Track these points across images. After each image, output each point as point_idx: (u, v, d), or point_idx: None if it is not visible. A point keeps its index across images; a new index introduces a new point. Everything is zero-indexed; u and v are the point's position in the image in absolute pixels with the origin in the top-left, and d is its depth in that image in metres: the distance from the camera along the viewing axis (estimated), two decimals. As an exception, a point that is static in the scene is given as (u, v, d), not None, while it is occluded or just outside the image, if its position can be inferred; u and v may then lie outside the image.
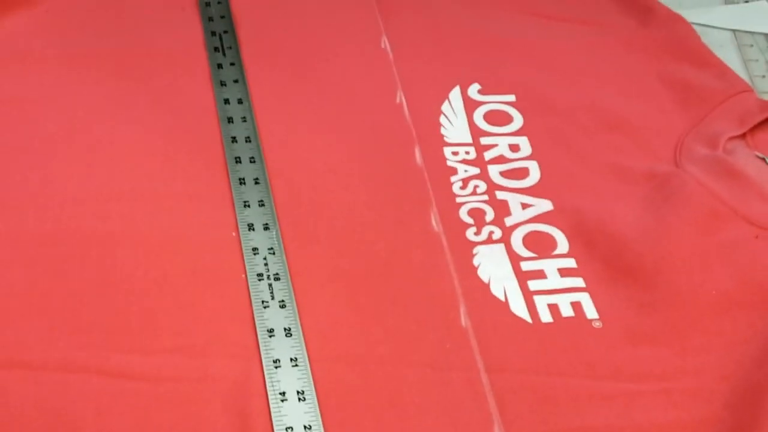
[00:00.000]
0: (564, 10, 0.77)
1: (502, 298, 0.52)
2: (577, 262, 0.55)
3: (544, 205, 0.58)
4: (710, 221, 0.56)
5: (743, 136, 0.64)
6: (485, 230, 0.56)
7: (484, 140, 0.63)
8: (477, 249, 0.55)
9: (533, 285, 0.53)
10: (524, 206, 0.58)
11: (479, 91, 0.67)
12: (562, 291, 0.53)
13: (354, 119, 0.64)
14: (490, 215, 0.58)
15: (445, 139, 0.63)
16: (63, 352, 0.48)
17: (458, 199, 0.59)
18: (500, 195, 0.59)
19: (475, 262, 0.54)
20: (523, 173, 0.61)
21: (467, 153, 0.62)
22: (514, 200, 0.59)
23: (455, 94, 0.67)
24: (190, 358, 0.48)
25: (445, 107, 0.66)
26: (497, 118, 0.65)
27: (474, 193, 0.59)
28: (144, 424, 0.45)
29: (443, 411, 0.47)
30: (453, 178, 0.60)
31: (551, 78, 0.69)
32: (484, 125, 0.65)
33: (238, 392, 0.46)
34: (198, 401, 0.46)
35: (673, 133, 0.64)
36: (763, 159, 0.62)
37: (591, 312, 0.52)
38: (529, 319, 0.51)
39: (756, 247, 0.55)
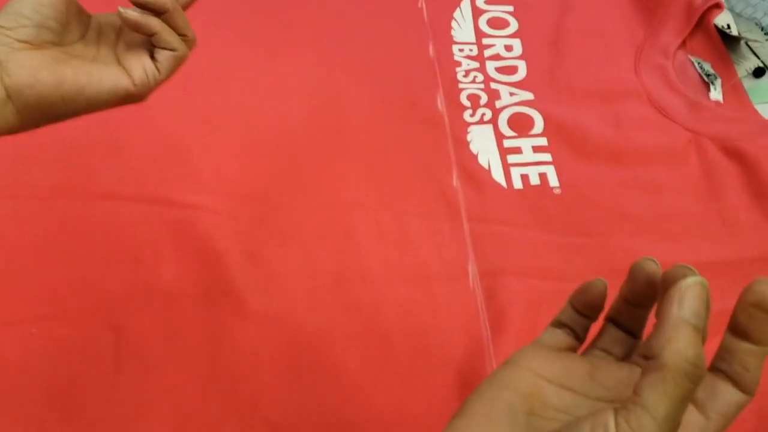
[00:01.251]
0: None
1: (486, 167, 0.66)
2: (548, 141, 0.67)
3: (527, 96, 0.71)
4: (651, 129, 0.69)
5: (684, 43, 0.75)
6: (479, 112, 0.69)
7: (486, 41, 0.75)
8: (471, 128, 0.68)
9: (511, 159, 0.66)
10: (511, 95, 0.71)
11: (485, 2, 0.79)
12: (533, 164, 0.66)
13: (381, 20, 0.76)
14: (484, 99, 0.70)
15: (454, 38, 0.75)
16: (152, 189, 0.60)
17: (460, 86, 0.71)
18: (493, 85, 0.71)
19: (468, 138, 0.68)
20: (513, 70, 0.73)
21: (471, 50, 0.74)
22: (504, 90, 0.71)
23: (465, 3, 0.78)
24: (244, 202, 0.61)
25: (456, 13, 0.77)
26: (497, 22, 0.77)
27: (473, 81, 0.72)
28: (207, 246, 0.58)
29: (433, 250, 0.61)
30: (457, 69, 0.73)
31: None
32: (486, 28, 0.76)
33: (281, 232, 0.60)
34: (248, 234, 0.59)
35: (634, 40, 0.76)
36: (698, 63, 0.74)
37: (554, 181, 0.65)
38: (505, 185, 0.65)
39: (688, 149, 0.68)
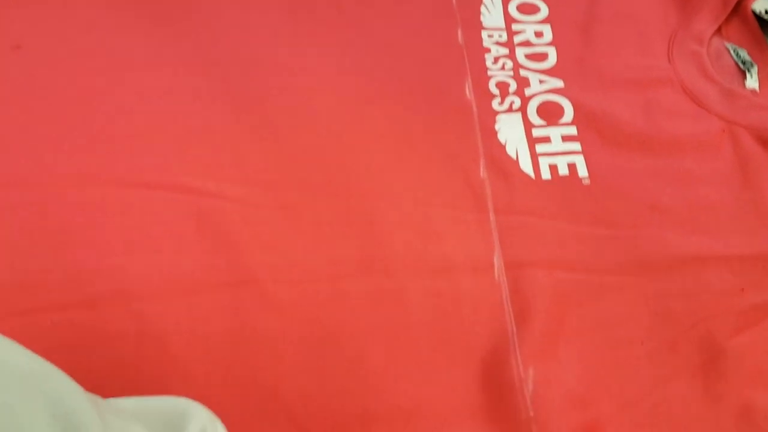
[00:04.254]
0: None
1: (514, 157, 0.64)
2: (577, 130, 0.65)
3: (557, 84, 0.69)
4: (684, 117, 0.67)
5: (719, 30, 0.73)
6: (507, 100, 0.67)
7: (515, 26, 0.73)
8: (499, 117, 0.66)
9: (540, 148, 0.64)
10: (541, 82, 0.69)
11: None
12: (561, 153, 0.64)
13: (409, 6, 0.73)
14: (513, 87, 0.68)
15: (483, 24, 0.73)
16: (174, 177, 0.59)
17: (489, 72, 0.69)
18: (523, 73, 0.69)
19: (497, 127, 0.66)
20: (543, 56, 0.71)
21: (500, 36, 0.72)
22: (533, 77, 0.69)
23: None
24: (268, 190, 0.60)
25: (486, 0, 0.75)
26: (527, 8, 0.75)
27: (502, 69, 0.70)
28: (230, 234, 0.57)
29: (458, 241, 0.59)
30: (486, 56, 0.70)
31: None
32: (516, 14, 0.74)
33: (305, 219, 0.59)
34: (271, 222, 0.58)
35: (668, 27, 0.73)
36: (734, 50, 0.71)
37: (582, 171, 0.63)
38: (533, 176, 0.63)
39: (722, 138, 0.66)
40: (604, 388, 0.54)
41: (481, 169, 0.63)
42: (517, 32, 0.73)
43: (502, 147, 0.65)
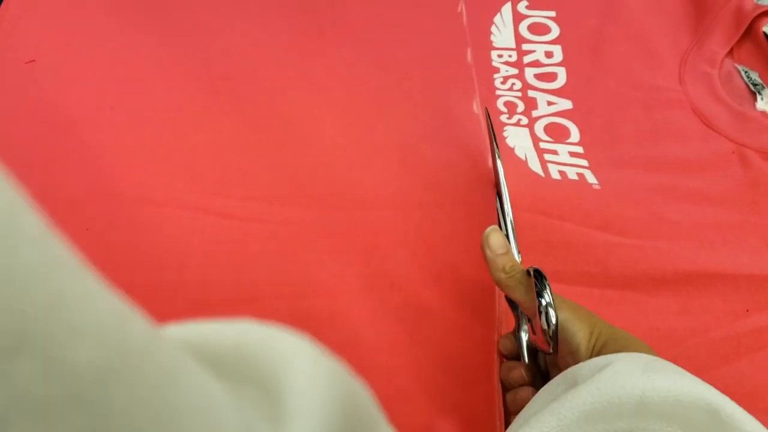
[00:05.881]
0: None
1: (523, 158, 0.63)
2: (584, 149, 0.65)
3: (566, 105, 0.68)
4: (693, 139, 0.66)
5: (731, 52, 0.72)
6: (515, 117, 0.67)
7: (525, 46, 0.73)
8: (507, 128, 0.66)
9: (548, 157, 0.64)
10: (549, 104, 0.68)
11: (527, 7, 0.77)
12: (570, 165, 0.63)
13: (418, 24, 0.74)
14: (520, 107, 0.68)
15: (493, 43, 0.73)
16: (179, 194, 0.59)
17: (497, 92, 0.69)
18: (531, 93, 0.69)
19: (504, 134, 0.65)
20: (552, 77, 0.70)
21: (510, 56, 0.72)
22: (541, 98, 0.68)
23: (506, 8, 0.76)
24: (273, 205, 0.59)
25: (497, 18, 0.75)
26: (539, 28, 0.75)
27: (511, 89, 0.69)
28: (234, 251, 0.56)
29: (466, 238, 0.58)
30: (495, 76, 0.70)
31: None
32: (527, 34, 0.74)
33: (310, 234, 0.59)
34: (276, 238, 0.57)
35: (680, 48, 0.73)
36: (745, 72, 0.70)
37: (592, 179, 0.62)
38: (542, 174, 0.62)
39: (731, 160, 0.65)
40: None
41: (489, 162, 0.62)
42: (528, 52, 0.73)
43: (510, 149, 0.64)
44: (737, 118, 0.66)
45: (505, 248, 0.49)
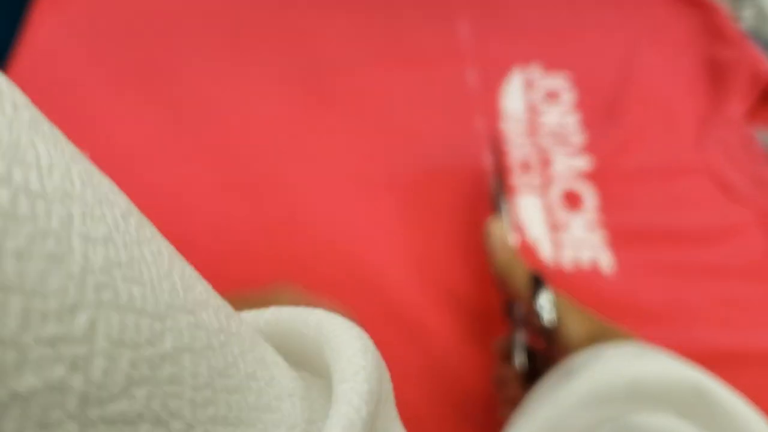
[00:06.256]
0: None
1: (532, 242, 0.61)
2: (601, 219, 0.63)
3: (582, 166, 0.66)
4: (713, 209, 0.63)
5: (749, 115, 0.69)
6: (527, 179, 0.65)
7: (537, 112, 0.70)
8: (518, 196, 0.64)
9: (561, 237, 0.62)
10: (564, 166, 0.66)
11: (538, 72, 0.74)
12: (584, 244, 0.61)
13: (425, 90, 0.72)
14: (535, 168, 0.66)
15: (502, 110, 0.70)
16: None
17: (508, 157, 0.66)
18: (545, 155, 0.67)
19: (516, 202, 0.63)
20: (566, 141, 0.68)
21: (520, 121, 0.69)
22: (556, 161, 0.66)
23: (516, 73, 0.74)
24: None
25: (506, 84, 0.73)
26: (551, 93, 0.72)
27: (522, 154, 0.67)
28: None
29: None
30: (505, 141, 0.68)
31: (600, 60, 0.75)
32: (538, 100, 0.71)
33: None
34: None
35: (697, 111, 0.70)
36: (765, 137, 0.68)
37: (606, 263, 0.60)
38: (553, 263, 0.60)
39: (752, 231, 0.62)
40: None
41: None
42: (539, 117, 0.70)
43: (521, 228, 0.62)
44: (758, 186, 0.64)
45: (505, 239, 0.52)
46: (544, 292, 0.45)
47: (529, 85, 0.73)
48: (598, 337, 0.43)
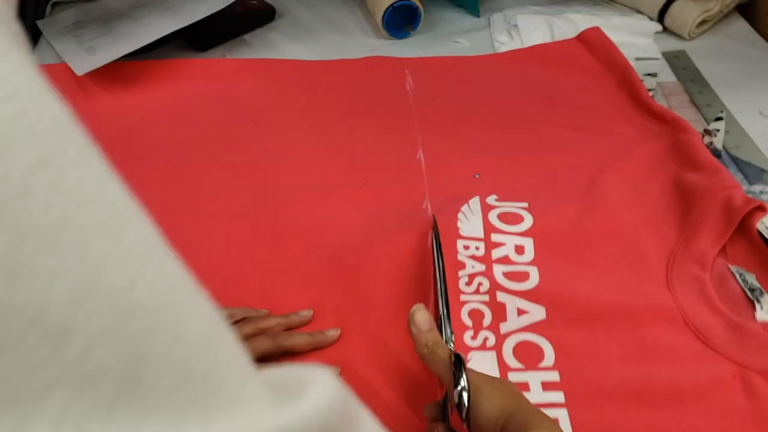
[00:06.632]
0: (579, 120, 0.80)
1: None
2: (560, 376, 0.56)
3: (538, 314, 0.59)
4: (687, 360, 0.57)
5: (724, 249, 0.64)
6: (481, 335, 0.58)
7: (495, 237, 0.64)
8: (471, 354, 0.57)
9: None
10: (520, 312, 0.59)
11: (496, 198, 0.69)
12: (543, 405, 0.52)
13: (387, 214, 0.69)
14: (487, 319, 0.59)
15: (460, 232, 0.65)
16: None
17: (462, 297, 0.60)
18: (500, 297, 0.60)
19: (469, 360, 0.57)
20: (523, 276, 0.62)
21: (477, 249, 0.64)
22: (511, 304, 0.60)
23: (474, 200, 0.69)
24: None
25: (464, 208, 0.68)
26: (509, 218, 0.67)
27: (477, 291, 0.60)
28: None
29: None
30: (461, 273, 0.61)
31: (562, 188, 0.71)
32: (496, 222, 0.66)
33: None
34: None
35: (667, 246, 0.65)
36: (740, 274, 0.62)
37: (567, 429, 0.52)
38: None
39: (732, 386, 0.55)
40: None
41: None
42: (497, 245, 0.64)
43: None
44: (736, 333, 0.58)
45: (429, 325, 0.52)
46: (463, 377, 0.46)
47: (485, 209, 0.68)
48: (507, 416, 0.43)
